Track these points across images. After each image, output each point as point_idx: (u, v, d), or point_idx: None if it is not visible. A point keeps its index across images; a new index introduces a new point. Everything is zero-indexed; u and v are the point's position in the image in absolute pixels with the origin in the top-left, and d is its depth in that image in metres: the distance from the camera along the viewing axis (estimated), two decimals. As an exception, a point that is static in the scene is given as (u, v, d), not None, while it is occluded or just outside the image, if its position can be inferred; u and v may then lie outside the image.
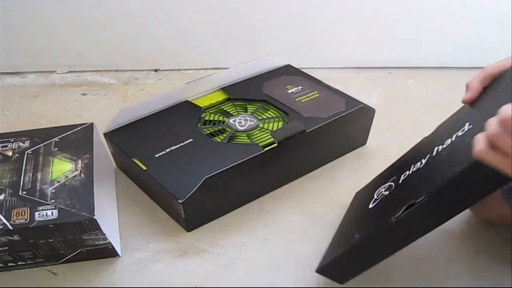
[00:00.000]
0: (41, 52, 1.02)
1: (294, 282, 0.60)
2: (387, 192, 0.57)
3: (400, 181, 0.55)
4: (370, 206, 0.58)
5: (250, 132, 0.72)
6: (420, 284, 0.59)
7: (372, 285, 0.59)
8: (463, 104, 0.54)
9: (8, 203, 0.56)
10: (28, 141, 0.66)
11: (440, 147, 0.52)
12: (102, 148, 0.73)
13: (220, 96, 0.80)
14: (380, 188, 0.59)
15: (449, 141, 0.51)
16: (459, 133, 0.50)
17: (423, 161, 0.53)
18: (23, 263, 0.60)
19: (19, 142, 0.66)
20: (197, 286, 0.59)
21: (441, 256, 0.62)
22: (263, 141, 0.69)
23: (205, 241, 0.65)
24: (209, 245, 0.65)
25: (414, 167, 0.55)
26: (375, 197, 0.59)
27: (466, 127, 0.50)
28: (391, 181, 0.58)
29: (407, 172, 0.55)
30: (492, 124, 0.42)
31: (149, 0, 0.96)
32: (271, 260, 0.62)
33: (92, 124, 0.69)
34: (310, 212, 0.69)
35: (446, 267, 0.61)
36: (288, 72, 0.86)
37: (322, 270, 0.56)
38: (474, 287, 0.58)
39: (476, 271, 0.60)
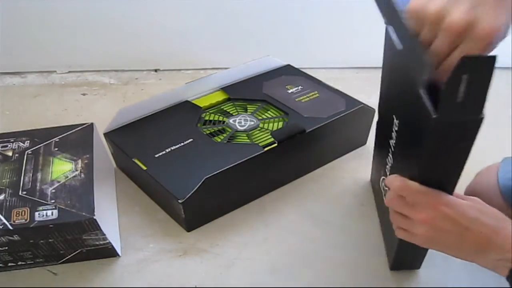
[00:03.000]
0: (41, 52, 1.02)
1: (294, 282, 0.60)
2: (387, 188, 0.58)
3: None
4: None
5: (250, 132, 0.72)
6: (420, 284, 0.59)
7: (372, 285, 0.59)
8: None
9: (8, 203, 0.56)
10: (28, 141, 0.66)
11: (392, 141, 0.56)
12: (102, 148, 0.73)
13: (220, 96, 0.80)
14: (381, 179, 0.63)
15: (393, 135, 0.56)
16: (395, 128, 0.55)
17: (390, 155, 0.58)
18: (23, 263, 0.60)
19: (19, 142, 0.65)
20: (197, 286, 0.59)
21: (441, 255, 0.62)
22: (263, 141, 0.69)
23: (205, 241, 0.65)
24: (209, 245, 0.65)
25: (387, 162, 0.59)
26: (382, 190, 0.63)
27: (396, 121, 0.55)
28: (383, 174, 0.62)
29: (388, 167, 0.59)
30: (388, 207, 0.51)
31: (149, 0, 0.96)
32: (271, 260, 0.62)
33: (92, 124, 0.69)
34: (310, 212, 0.69)
35: (446, 267, 0.61)
36: (288, 72, 0.86)
37: (395, 266, 0.60)
38: (474, 287, 0.58)
39: (476, 271, 0.60)
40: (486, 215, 0.46)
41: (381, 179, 0.63)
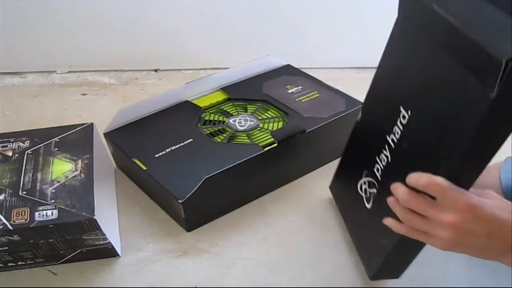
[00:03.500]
0: (41, 52, 1.02)
1: (294, 282, 0.60)
2: (373, 190, 0.56)
3: (379, 178, 0.55)
4: (368, 206, 0.57)
5: (250, 132, 0.72)
6: (420, 284, 0.59)
7: (372, 285, 0.59)
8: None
9: (8, 203, 0.56)
10: (28, 141, 0.66)
11: (392, 136, 0.52)
12: (102, 148, 0.73)
13: (220, 96, 0.80)
14: (359, 183, 0.59)
15: (397, 129, 0.51)
16: (403, 121, 0.51)
17: (387, 153, 0.53)
18: (23, 263, 0.60)
19: (19, 142, 0.65)
20: (197, 286, 0.59)
21: (441, 256, 0.62)
22: (263, 141, 0.69)
23: (205, 241, 0.65)
24: (209, 245, 0.65)
25: (380, 160, 0.54)
26: (363, 194, 0.59)
27: (406, 114, 0.50)
28: (366, 176, 0.58)
29: (378, 166, 0.55)
30: (400, 208, 0.47)
31: (149, 0, 0.96)
32: (271, 260, 0.62)
33: (92, 124, 0.69)
34: (310, 212, 0.69)
35: (446, 267, 0.61)
36: (288, 72, 0.86)
37: (376, 277, 0.57)
38: (474, 287, 0.58)
39: (476, 271, 0.60)
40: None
41: (362, 182, 0.59)
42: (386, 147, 0.53)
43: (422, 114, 0.48)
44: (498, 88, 0.37)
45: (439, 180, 0.43)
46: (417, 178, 0.44)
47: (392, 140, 0.52)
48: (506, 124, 0.40)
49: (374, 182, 0.56)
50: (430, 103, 0.47)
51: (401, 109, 0.51)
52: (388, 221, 0.49)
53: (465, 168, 0.43)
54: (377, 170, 0.55)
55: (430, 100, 0.47)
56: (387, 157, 0.54)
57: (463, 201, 0.42)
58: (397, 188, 0.47)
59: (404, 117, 0.50)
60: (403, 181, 0.46)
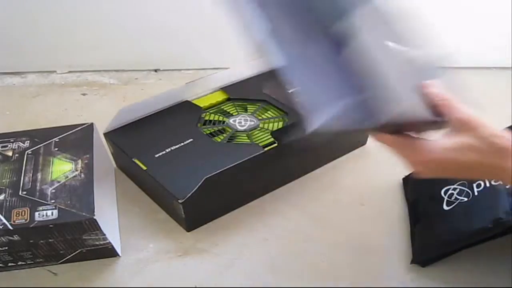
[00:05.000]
0: (41, 52, 1.02)
1: (294, 282, 0.60)
2: (464, 199, 0.60)
3: (476, 193, 0.59)
4: (446, 208, 0.61)
5: (250, 132, 0.72)
6: (420, 284, 0.59)
7: (372, 285, 0.59)
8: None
9: (8, 203, 0.56)
10: (28, 141, 0.66)
11: None
12: (102, 148, 0.73)
13: (220, 96, 0.80)
14: (448, 188, 0.63)
15: None
16: None
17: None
18: (23, 263, 0.60)
19: (19, 142, 0.65)
20: (197, 286, 0.59)
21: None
22: (263, 141, 0.69)
23: (205, 241, 0.65)
24: (209, 245, 0.64)
25: (489, 179, 0.58)
26: (446, 198, 0.62)
27: None
28: (461, 185, 0.62)
29: (481, 183, 0.59)
30: None
31: (149, 0, 0.96)
32: (271, 260, 0.62)
33: (92, 124, 0.69)
34: (310, 212, 0.69)
35: (446, 267, 0.61)
36: (288, 72, 0.86)
37: (425, 263, 0.61)
38: (474, 287, 0.58)
39: (476, 271, 0.60)
40: (482, 155, 0.44)
41: (451, 188, 0.63)
42: None
43: None
44: None
45: (387, 138, 0.47)
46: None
47: None
48: None
49: (470, 192, 0.60)
50: None
51: None
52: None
53: None
54: (478, 186, 0.60)
55: None
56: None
57: (412, 159, 0.47)
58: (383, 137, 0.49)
59: None
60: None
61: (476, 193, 0.59)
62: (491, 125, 0.45)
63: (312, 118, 0.42)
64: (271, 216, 0.69)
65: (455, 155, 0.45)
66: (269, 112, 0.77)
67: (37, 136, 0.66)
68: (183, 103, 0.78)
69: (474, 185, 0.60)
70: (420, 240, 0.62)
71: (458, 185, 0.62)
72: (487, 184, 0.58)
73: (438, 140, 0.46)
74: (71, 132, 0.67)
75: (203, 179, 0.62)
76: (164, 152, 0.68)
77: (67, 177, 0.60)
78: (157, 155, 0.67)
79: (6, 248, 0.56)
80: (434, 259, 0.60)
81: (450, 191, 0.63)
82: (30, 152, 0.64)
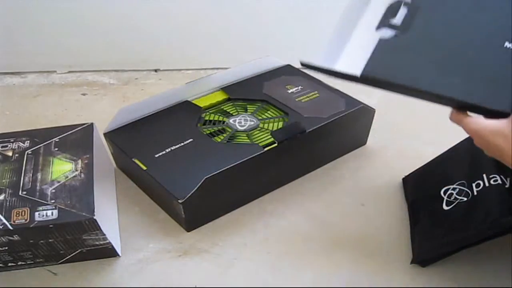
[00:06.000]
0: (41, 52, 1.02)
1: (294, 282, 0.60)
2: (464, 199, 0.60)
3: (475, 192, 0.59)
4: (445, 208, 0.62)
5: (250, 132, 0.72)
6: (420, 284, 0.59)
7: (372, 285, 0.59)
8: None
9: (8, 203, 0.56)
10: (28, 141, 0.66)
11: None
12: (102, 148, 0.72)
13: (220, 96, 0.80)
14: (448, 188, 0.63)
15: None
16: None
17: (496, 177, 0.58)
18: (23, 263, 0.60)
19: (19, 142, 0.65)
20: (197, 286, 0.59)
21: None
22: (263, 141, 0.69)
23: (205, 241, 0.65)
24: (209, 245, 0.65)
25: (488, 179, 0.59)
26: (446, 198, 0.63)
27: None
28: (461, 185, 0.62)
29: (481, 183, 0.59)
30: None
31: (149, 0, 0.96)
32: (271, 260, 0.62)
33: (92, 124, 0.69)
34: (310, 212, 0.69)
35: (446, 267, 0.61)
36: (288, 72, 0.86)
37: (425, 263, 0.61)
38: (474, 287, 0.58)
39: (476, 271, 0.60)
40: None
41: (450, 187, 0.64)
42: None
43: None
44: None
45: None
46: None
47: None
48: None
49: (469, 192, 0.60)
50: None
51: None
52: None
53: None
54: (477, 185, 0.60)
55: None
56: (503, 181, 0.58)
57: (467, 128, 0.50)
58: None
59: None
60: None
61: (475, 193, 0.59)
62: None
63: None
64: (271, 216, 0.69)
65: (488, 136, 0.47)
66: (269, 112, 0.77)
67: (37, 136, 0.66)
68: (183, 103, 0.78)
69: (474, 184, 0.60)
70: (420, 240, 0.62)
71: (457, 185, 0.62)
72: (486, 184, 0.58)
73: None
74: (71, 132, 0.67)
75: (203, 179, 0.62)
76: (164, 152, 0.68)
77: (67, 177, 0.60)
78: (157, 155, 0.67)
79: (6, 248, 0.56)
80: (434, 259, 0.60)
81: (449, 191, 0.63)
82: (30, 152, 0.64)
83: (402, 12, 0.53)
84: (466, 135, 0.67)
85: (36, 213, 0.55)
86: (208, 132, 0.72)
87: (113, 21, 0.98)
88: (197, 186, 0.61)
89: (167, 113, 0.76)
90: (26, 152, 0.64)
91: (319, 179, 0.75)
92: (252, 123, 0.74)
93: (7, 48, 0.99)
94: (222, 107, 0.78)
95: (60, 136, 0.66)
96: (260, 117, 0.75)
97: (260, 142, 0.69)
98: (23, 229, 0.54)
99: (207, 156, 0.67)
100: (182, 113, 0.76)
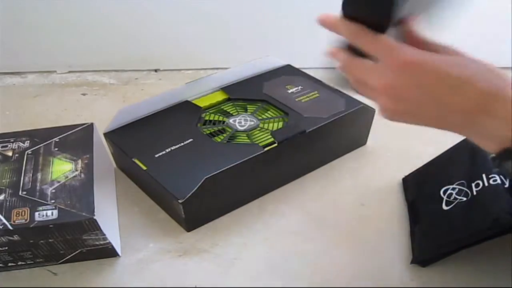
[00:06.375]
0: (41, 52, 1.02)
1: (294, 282, 0.60)
2: (463, 198, 0.60)
3: (474, 192, 0.59)
4: (445, 208, 0.61)
5: (250, 132, 0.72)
6: (420, 284, 0.59)
7: (372, 285, 0.59)
8: None
9: (8, 203, 0.56)
10: (28, 141, 0.66)
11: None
12: (102, 148, 0.73)
13: (220, 96, 0.80)
14: (447, 188, 0.63)
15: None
16: None
17: (496, 177, 0.57)
18: (23, 263, 0.60)
19: (19, 142, 0.65)
20: (197, 286, 0.59)
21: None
22: (263, 141, 0.69)
23: (205, 241, 0.65)
24: (209, 245, 0.65)
25: (487, 179, 0.58)
26: (445, 198, 0.62)
27: None
28: (460, 185, 0.62)
29: (480, 183, 0.59)
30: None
31: (149, 0, 0.96)
32: (271, 260, 0.62)
33: (92, 124, 0.69)
34: (310, 212, 0.69)
35: (446, 267, 0.61)
36: (288, 72, 0.86)
37: (425, 263, 0.61)
38: (474, 287, 0.58)
39: (476, 271, 0.60)
40: (477, 74, 0.34)
41: (450, 187, 0.63)
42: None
43: None
44: None
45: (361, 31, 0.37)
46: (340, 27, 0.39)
47: None
48: None
49: (469, 192, 0.60)
50: None
51: None
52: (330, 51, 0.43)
53: None
54: (477, 185, 0.59)
55: None
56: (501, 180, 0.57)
57: (394, 57, 0.35)
58: (338, 54, 0.43)
59: None
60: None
61: (475, 193, 0.59)
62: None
63: None
64: (271, 216, 0.69)
65: (445, 67, 0.34)
66: (269, 112, 0.77)
67: (37, 136, 0.66)
68: (183, 103, 0.78)
69: (473, 184, 0.60)
70: (420, 240, 0.62)
71: (457, 185, 0.62)
72: (486, 184, 0.58)
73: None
74: (71, 132, 0.67)
75: (203, 179, 0.62)
76: (164, 152, 0.68)
77: (67, 177, 0.60)
78: (157, 155, 0.67)
79: (6, 248, 0.56)
80: (434, 259, 0.60)
81: (449, 191, 0.63)
82: (30, 152, 0.64)
83: None
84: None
85: (36, 213, 0.55)
86: (208, 132, 0.72)
87: (113, 21, 0.98)
88: (197, 186, 0.61)
89: (167, 113, 0.76)
90: (26, 152, 0.64)
91: (319, 179, 0.75)
92: (252, 123, 0.74)
93: (7, 48, 0.99)
94: (222, 107, 0.78)
95: (60, 136, 0.66)
96: (260, 117, 0.75)
97: (260, 142, 0.69)
98: (23, 229, 0.54)
99: (207, 156, 0.67)
100: (182, 113, 0.76)
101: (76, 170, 0.61)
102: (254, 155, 0.66)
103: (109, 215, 0.66)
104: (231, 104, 0.79)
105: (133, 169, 0.69)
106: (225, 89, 0.81)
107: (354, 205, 0.71)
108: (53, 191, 0.58)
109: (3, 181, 0.60)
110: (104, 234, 0.57)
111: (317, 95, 0.79)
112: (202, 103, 0.78)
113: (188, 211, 0.63)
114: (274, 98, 0.78)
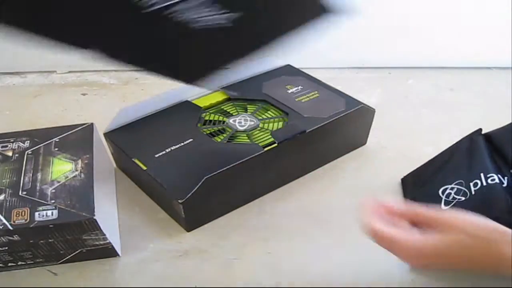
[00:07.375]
0: (41, 52, 1.02)
1: (295, 282, 0.60)
2: (462, 198, 0.60)
3: (473, 192, 0.59)
4: (444, 207, 0.62)
5: (250, 132, 0.72)
6: (420, 284, 0.59)
7: (372, 285, 0.59)
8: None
9: (8, 203, 0.56)
10: (28, 141, 0.66)
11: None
12: (102, 148, 0.72)
13: (220, 96, 0.80)
14: (446, 188, 0.63)
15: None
16: None
17: (494, 176, 0.58)
18: (23, 263, 0.60)
19: (19, 142, 0.65)
20: (197, 286, 0.59)
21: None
22: (263, 141, 0.69)
23: (205, 241, 0.65)
24: (209, 245, 0.65)
25: (485, 178, 0.58)
26: (444, 197, 0.63)
27: None
28: (459, 185, 0.62)
29: (478, 182, 0.59)
30: None
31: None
32: (271, 260, 0.62)
33: (92, 124, 0.69)
34: (310, 212, 0.69)
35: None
36: (288, 72, 0.86)
37: None
38: (474, 287, 0.58)
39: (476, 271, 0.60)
40: (474, 248, 0.44)
41: (449, 187, 0.63)
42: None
43: None
44: None
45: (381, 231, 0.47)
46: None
47: None
48: None
49: (467, 192, 0.60)
50: None
51: None
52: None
53: None
54: (475, 185, 0.60)
55: None
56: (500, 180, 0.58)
57: (409, 256, 0.46)
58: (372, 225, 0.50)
59: None
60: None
61: (473, 192, 0.59)
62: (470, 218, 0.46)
63: None
64: (271, 216, 0.69)
65: (447, 254, 0.45)
66: (269, 112, 0.77)
67: (37, 136, 0.66)
68: (183, 103, 0.78)
69: (471, 184, 0.60)
70: None
71: (455, 184, 0.62)
72: (484, 183, 0.58)
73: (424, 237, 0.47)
74: (71, 132, 0.67)
75: (203, 179, 0.62)
76: (164, 152, 0.68)
77: (67, 177, 0.60)
78: (157, 155, 0.67)
79: (6, 248, 0.56)
80: None
81: (448, 191, 0.63)
82: (30, 152, 0.64)
83: None
84: (465, 135, 0.68)
85: (36, 213, 0.55)
86: (208, 132, 0.72)
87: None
88: (197, 186, 0.61)
89: (167, 113, 0.76)
90: (26, 152, 0.64)
91: (319, 179, 0.75)
92: (252, 123, 0.74)
93: (7, 48, 0.99)
94: (222, 107, 0.78)
95: (60, 136, 0.66)
96: (260, 117, 0.75)
97: (260, 142, 0.69)
98: (23, 229, 0.54)
99: (207, 156, 0.67)
100: (182, 113, 0.76)
101: (76, 170, 0.61)
102: (254, 155, 0.66)
103: (109, 215, 0.66)
104: (231, 104, 0.79)
105: (133, 169, 0.69)
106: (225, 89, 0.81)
107: (355, 205, 0.71)
108: (53, 191, 0.58)
109: (3, 181, 0.60)
110: (104, 234, 0.57)
111: (317, 95, 0.79)
112: (202, 103, 0.78)
113: (188, 211, 0.63)
114: (274, 98, 0.78)
